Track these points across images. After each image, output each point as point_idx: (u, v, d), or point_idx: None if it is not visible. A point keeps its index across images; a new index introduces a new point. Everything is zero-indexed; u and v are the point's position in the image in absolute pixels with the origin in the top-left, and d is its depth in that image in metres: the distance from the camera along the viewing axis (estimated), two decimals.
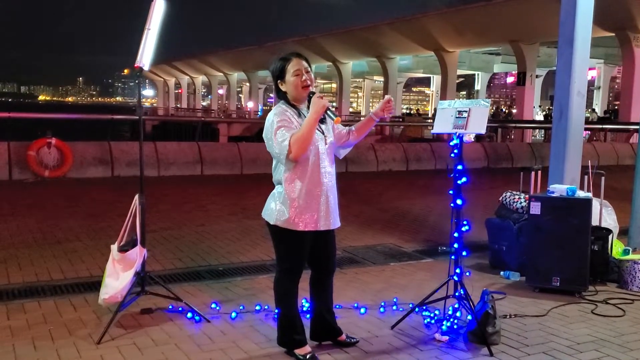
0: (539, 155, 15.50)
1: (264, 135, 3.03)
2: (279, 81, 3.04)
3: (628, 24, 20.74)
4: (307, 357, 3.11)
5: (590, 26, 5.40)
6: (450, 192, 3.64)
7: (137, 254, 3.61)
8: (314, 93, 2.97)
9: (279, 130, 2.92)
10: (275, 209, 3.04)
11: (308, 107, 3.00)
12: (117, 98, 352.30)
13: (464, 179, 3.60)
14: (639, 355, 3.38)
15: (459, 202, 3.62)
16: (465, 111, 3.60)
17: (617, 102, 36.70)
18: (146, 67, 3.60)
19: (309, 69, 3.04)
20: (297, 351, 3.13)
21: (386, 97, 3.20)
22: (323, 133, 3.08)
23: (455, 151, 3.61)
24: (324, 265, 3.25)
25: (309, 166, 3.00)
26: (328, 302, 3.32)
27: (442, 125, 3.71)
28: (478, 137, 15.23)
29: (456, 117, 3.62)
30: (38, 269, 4.77)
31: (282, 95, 3.06)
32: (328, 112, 2.97)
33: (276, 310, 3.23)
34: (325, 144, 3.07)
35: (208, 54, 52.44)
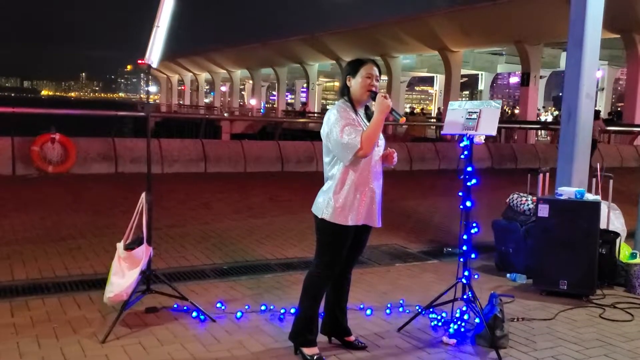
0: (544, 156, 15.45)
1: (325, 132, 3.09)
2: (348, 76, 3.13)
3: (634, 25, 20.65)
4: (315, 358, 3.10)
5: (600, 28, 5.36)
6: (460, 193, 3.61)
7: (143, 252, 3.58)
8: (375, 93, 3.10)
9: (346, 127, 3.02)
10: (324, 203, 3.11)
11: (365, 111, 3.18)
12: (120, 94, 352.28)
13: (473, 181, 3.57)
14: None
15: (468, 204, 3.58)
16: (476, 112, 3.56)
17: (620, 104, 36.57)
18: (155, 65, 3.56)
19: (379, 78, 3.18)
20: (305, 350, 3.13)
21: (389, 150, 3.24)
22: None
23: (465, 152, 3.58)
24: (350, 260, 3.28)
25: (361, 164, 3.09)
26: (342, 301, 3.34)
27: (452, 126, 3.67)
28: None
29: (467, 118, 3.58)
30: (42, 265, 4.75)
31: (346, 91, 3.14)
32: (393, 112, 3.12)
33: (293, 310, 3.23)
34: (377, 145, 3.16)
35: (211, 51, 52.36)
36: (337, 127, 3.02)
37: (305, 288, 3.19)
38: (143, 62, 3.60)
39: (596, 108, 16.99)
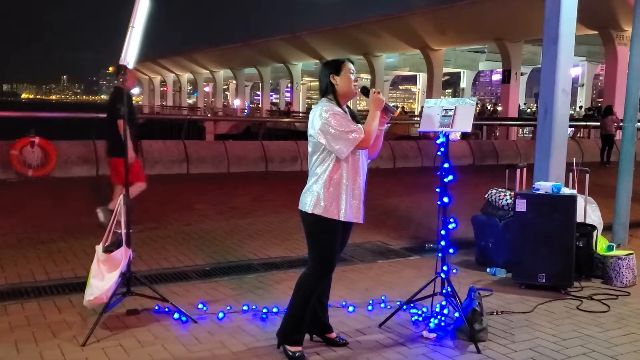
0: (524, 152, 15.63)
1: (316, 128, 3.09)
2: (332, 75, 3.19)
3: (611, 22, 20.94)
4: (296, 354, 3.14)
5: (575, 24, 5.45)
6: (437, 189, 3.65)
7: (123, 254, 3.57)
8: (366, 88, 3.23)
9: (344, 120, 3.08)
10: (313, 199, 3.11)
11: (348, 107, 3.24)
12: (102, 96, 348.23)
13: (450, 177, 3.62)
14: (624, 350, 3.42)
15: (445, 200, 3.63)
16: (452, 109, 3.61)
17: (600, 100, 37.11)
18: (130, 65, 3.56)
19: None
20: (289, 347, 3.17)
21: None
22: None
23: (442, 149, 3.62)
24: None
25: (350, 159, 3.14)
26: (323, 297, 3.36)
27: (428, 123, 3.72)
28: (464, 135, 15.30)
29: (442, 116, 3.63)
30: (21, 270, 4.70)
31: (331, 89, 3.19)
32: (387, 106, 3.24)
33: (275, 309, 3.23)
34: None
35: (194, 51, 52.02)
36: (334, 120, 3.06)
37: (298, 287, 3.20)
38: (122, 64, 3.59)
39: (609, 104, 17.12)
